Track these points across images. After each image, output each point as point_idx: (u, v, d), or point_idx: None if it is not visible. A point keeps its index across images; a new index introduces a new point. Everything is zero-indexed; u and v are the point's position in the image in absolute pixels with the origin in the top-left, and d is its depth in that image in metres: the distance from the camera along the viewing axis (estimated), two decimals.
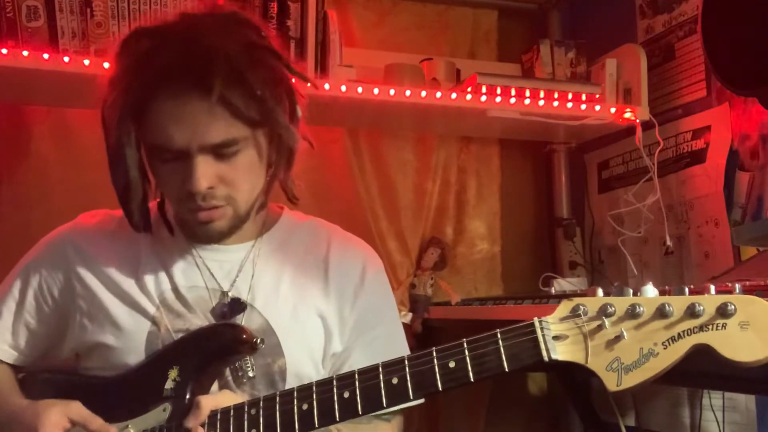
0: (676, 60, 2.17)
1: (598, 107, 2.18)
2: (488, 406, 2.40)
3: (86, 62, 1.79)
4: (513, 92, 2.12)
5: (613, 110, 2.18)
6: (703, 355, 0.90)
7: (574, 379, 2.29)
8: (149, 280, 1.21)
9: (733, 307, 0.88)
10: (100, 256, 1.23)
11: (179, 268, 1.22)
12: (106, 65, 1.79)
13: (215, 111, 1.07)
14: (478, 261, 2.50)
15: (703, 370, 1.50)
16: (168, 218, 1.26)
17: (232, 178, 1.13)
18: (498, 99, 2.11)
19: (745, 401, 1.91)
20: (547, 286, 2.07)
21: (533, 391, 2.53)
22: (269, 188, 1.22)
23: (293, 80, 1.17)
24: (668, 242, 2.09)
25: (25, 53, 1.76)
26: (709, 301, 0.89)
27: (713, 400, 1.98)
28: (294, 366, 1.18)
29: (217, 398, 1.09)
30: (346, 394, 1.01)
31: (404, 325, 2.29)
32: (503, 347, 0.96)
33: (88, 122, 2.13)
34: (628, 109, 2.18)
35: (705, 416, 2.01)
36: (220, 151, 1.10)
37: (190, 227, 1.19)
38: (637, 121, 2.16)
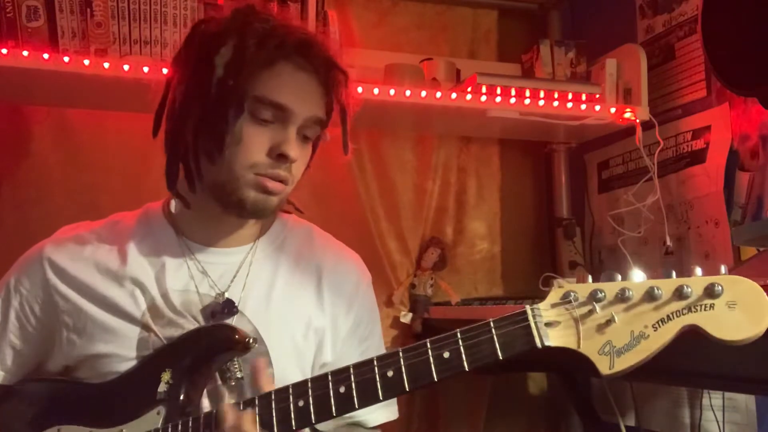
0: (676, 60, 2.17)
1: (598, 107, 2.18)
2: (488, 406, 2.40)
3: (86, 62, 1.79)
4: (513, 92, 2.12)
5: (613, 110, 2.18)
6: (696, 340, 0.90)
7: (575, 379, 2.30)
8: (136, 286, 1.20)
9: (720, 287, 0.89)
10: (79, 269, 1.22)
11: (171, 272, 1.22)
12: (107, 65, 1.80)
13: (323, 96, 1.21)
14: (478, 261, 2.50)
15: (703, 370, 1.51)
16: (172, 220, 1.26)
17: (300, 162, 1.20)
18: (498, 99, 2.11)
19: (745, 401, 1.91)
20: (547, 286, 2.05)
21: (533, 391, 2.53)
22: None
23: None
24: (668, 242, 2.09)
25: (25, 53, 1.76)
26: (697, 283, 0.91)
27: (713, 400, 1.98)
28: (282, 375, 1.18)
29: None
30: (342, 389, 1.01)
31: (404, 325, 2.32)
32: (496, 336, 0.97)
33: (88, 122, 2.14)
34: (628, 109, 2.17)
35: (705, 416, 2.00)
36: (307, 132, 1.20)
37: (238, 200, 1.18)
38: (637, 121, 2.16)
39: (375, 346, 1.33)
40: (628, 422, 2.23)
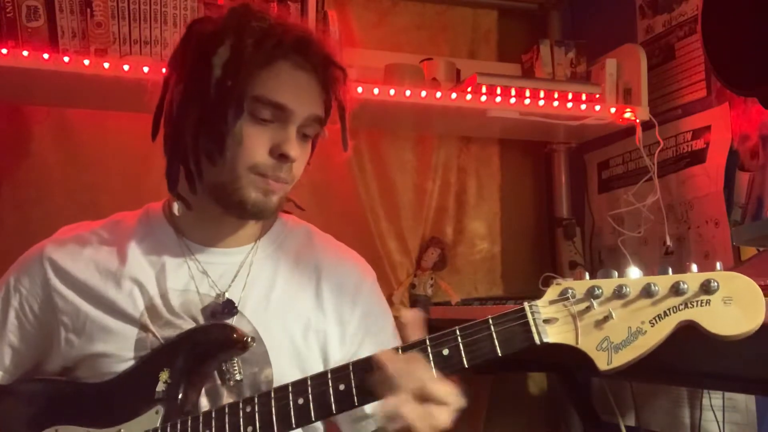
0: (676, 60, 2.17)
1: (598, 107, 2.18)
2: (488, 406, 2.40)
3: (86, 62, 1.79)
4: (513, 92, 2.12)
5: (613, 110, 2.18)
6: (696, 340, 0.90)
7: (575, 379, 2.30)
8: (136, 286, 1.20)
9: (716, 283, 0.90)
10: (79, 269, 1.22)
11: (171, 272, 1.22)
12: (107, 65, 1.80)
13: (321, 95, 1.21)
14: (478, 261, 2.50)
15: (703, 370, 1.51)
16: (172, 221, 1.26)
17: (300, 161, 1.20)
18: (498, 99, 2.11)
19: (745, 401, 1.91)
20: (547, 286, 2.05)
21: (533, 392, 2.53)
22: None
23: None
24: (668, 242, 2.09)
25: (25, 53, 1.76)
26: (693, 279, 0.92)
27: (713, 400, 1.98)
28: (281, 376, 1.17)
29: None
30: (342, 387, 1.01)
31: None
32: (495, 333, 0.97)
33: (88, 122, 2.14)
34: (628, 109, 2.17)
35: (705, 416, 2.01)
36: (306, 131, 1.19)
37: (239, 201, 1.17)
38: (637, 121, 2.16)
39: (388, 342, 1.30)
40: (628, 422, 2.23)
